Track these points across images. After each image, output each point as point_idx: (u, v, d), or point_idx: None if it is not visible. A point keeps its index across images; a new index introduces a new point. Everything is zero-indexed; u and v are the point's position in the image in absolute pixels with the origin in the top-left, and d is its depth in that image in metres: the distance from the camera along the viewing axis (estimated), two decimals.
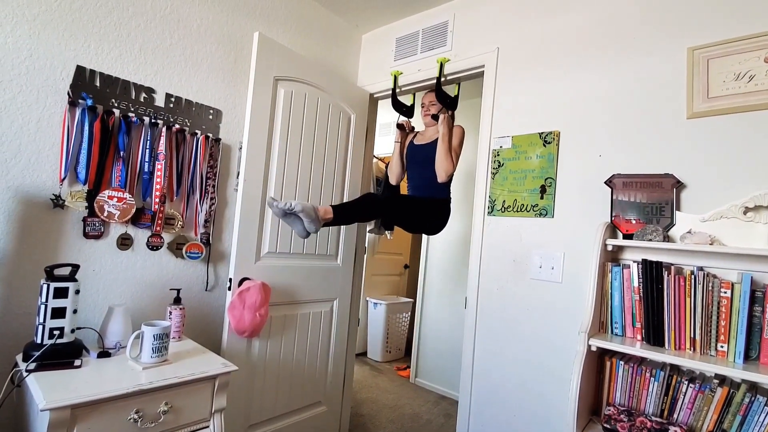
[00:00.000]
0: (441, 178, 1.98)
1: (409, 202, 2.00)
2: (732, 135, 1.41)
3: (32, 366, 1.23)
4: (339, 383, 2.44)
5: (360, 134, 2.48)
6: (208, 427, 1.39)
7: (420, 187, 2.13)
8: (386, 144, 4.06)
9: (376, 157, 3.68)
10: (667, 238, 1.42)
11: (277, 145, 2.01)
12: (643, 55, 1.61)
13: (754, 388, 1.25)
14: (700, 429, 1.30)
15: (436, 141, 2.04)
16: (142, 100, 1.70)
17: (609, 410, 1.40)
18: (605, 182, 1.61)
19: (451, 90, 2.23)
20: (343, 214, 1.73)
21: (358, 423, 2.76)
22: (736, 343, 1.23)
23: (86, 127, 1.52)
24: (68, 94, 1.51)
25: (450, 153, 1.98)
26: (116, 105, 1.62)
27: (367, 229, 2.81)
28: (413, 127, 2.34)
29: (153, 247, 1.74)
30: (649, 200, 1.51)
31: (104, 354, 1.40)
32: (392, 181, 2.29)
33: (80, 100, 1.53)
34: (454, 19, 2.23)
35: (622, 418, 1.35)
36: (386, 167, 3.79)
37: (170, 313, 1.67)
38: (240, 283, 1.86)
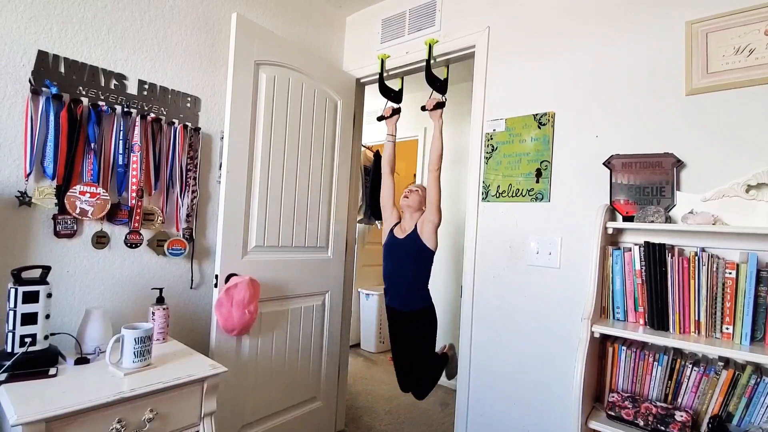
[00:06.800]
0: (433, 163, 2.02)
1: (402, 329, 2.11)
2: (733, 111, 1.36)
3: (3, 377, 1.14)
4: (333, 377, 2.38)
5: (347, 121, 2.38)
6: (198, 431, 1.32)
7: (400, 285, 2.09)
8: (374, 132, 3.96)
9: (364, 146, 3.59)
10: (668, 219, 1.38)
11: (261, 133, 1.91)
12: (640, 31, 1.55)
13: (759, 369, 1.23)
14: (705, 412, 1.27)
15: (414, 235, 2.01)
16: (112, 87, 1.58)
17: (613, 397, 1.36)
18: (604, 163, 1.56)
19: (439, 73, 2.15)
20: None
21: (355, 416, 2.71)
22: (743, 324, 1.20)
23: (51, 118, 1.41)
24: (30, 81, 1.39)
25: (440, 143, 2.01)
26: (84, 93, 1.50)
27: (357, 219, 2.72)
28: (399, 108, 2.26)
29: (132, 244, 1.64)
30: (648, 181, 1.47)
31: (82, 360, 1.31)
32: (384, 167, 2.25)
33: (44, 88, 1.41)
34: None
35: (626, 405, 1.32)
36: (374, 156, 3.72)
37: (153, 313, 1.58)
38: (227, 280, 1.78)
